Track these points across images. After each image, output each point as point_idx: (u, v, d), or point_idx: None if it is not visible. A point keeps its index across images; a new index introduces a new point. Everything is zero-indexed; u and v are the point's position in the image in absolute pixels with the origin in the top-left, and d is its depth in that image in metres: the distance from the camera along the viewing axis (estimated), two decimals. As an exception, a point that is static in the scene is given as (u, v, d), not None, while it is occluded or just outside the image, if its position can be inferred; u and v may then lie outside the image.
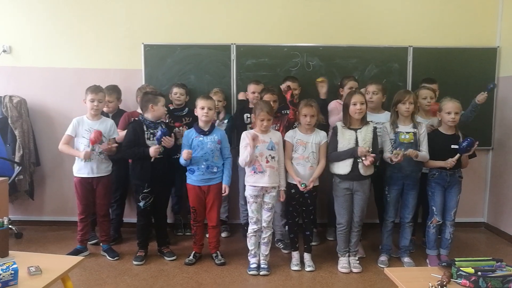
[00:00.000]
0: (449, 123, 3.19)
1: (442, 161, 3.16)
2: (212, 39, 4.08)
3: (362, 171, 3.10)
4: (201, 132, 3.29)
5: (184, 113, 3.79)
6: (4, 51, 4.10)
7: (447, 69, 4.08)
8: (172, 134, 3.34)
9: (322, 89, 3.71)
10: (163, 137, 3.13)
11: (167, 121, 3.59)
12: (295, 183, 3.20)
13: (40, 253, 2.50)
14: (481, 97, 3.54)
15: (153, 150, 3.17)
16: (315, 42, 4.10)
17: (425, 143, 3.21)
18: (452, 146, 3.15)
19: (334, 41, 4.11)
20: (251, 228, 3.21)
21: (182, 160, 3.23)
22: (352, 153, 3.08)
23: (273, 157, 3.15)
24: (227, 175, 3.32)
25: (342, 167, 3.15)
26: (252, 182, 3.17)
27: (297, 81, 3.78)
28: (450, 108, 3.17)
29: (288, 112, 3.45)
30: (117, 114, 3.76)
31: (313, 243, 3.47)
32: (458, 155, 3.11)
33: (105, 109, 3.64)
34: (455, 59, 4.13)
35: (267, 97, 3.45)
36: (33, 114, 4.13)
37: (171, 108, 3.85)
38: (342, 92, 3.71)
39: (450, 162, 3.12)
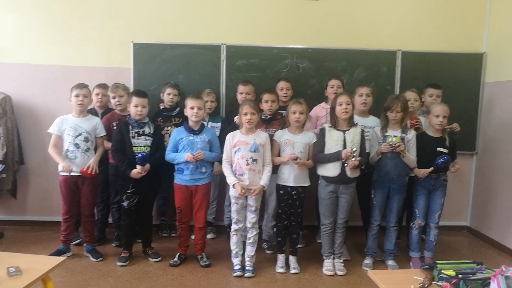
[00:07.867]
0: (437, 126, 3.23)
1: (421, 169, 3.21)
2: (202, 39, 4.06)
3: (348, 173, 3.11)
4: (191, 131, 3.27)
5: (174, 114, 3.76)
6: (-10, 47, 4.04)
7: (434, 73, 4.12)
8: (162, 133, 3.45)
9: None
10: (140, 164, 3.17)
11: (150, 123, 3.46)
12: (283, 184, 3.21)
13: (21, 253, 2.45)
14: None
15: (134, 173, 3.20)
16: (305, 44, 4.11)
17: (414, 149, 3.24)
18: (438, 149, 3.21)
19: (323, 43, 4.12)
20: (233, 227, 3.21)
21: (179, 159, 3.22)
22: (337, 157, 3.08)
23: (254, 160, 3.13)
24: (211, 154, 3.27)
25: (331, 170, 3.14)
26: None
27: (290, 82, 3.77)
28: (439, 112, 3.21)
29: (284, 114, 3.43)
30: (106, 112, 3.70)
31: (298, 246, 3.47)
32: (431, 168, 3.18)
33: (97, 104, 3.69)
34: (443, 64, 4.18)
35: (266, 96, 3.47)
36: (18, 112, 4.06)
37: (161, 107, 3.82)
38: (327, 93, 3.74)
39: (422, 173, 3.20)
